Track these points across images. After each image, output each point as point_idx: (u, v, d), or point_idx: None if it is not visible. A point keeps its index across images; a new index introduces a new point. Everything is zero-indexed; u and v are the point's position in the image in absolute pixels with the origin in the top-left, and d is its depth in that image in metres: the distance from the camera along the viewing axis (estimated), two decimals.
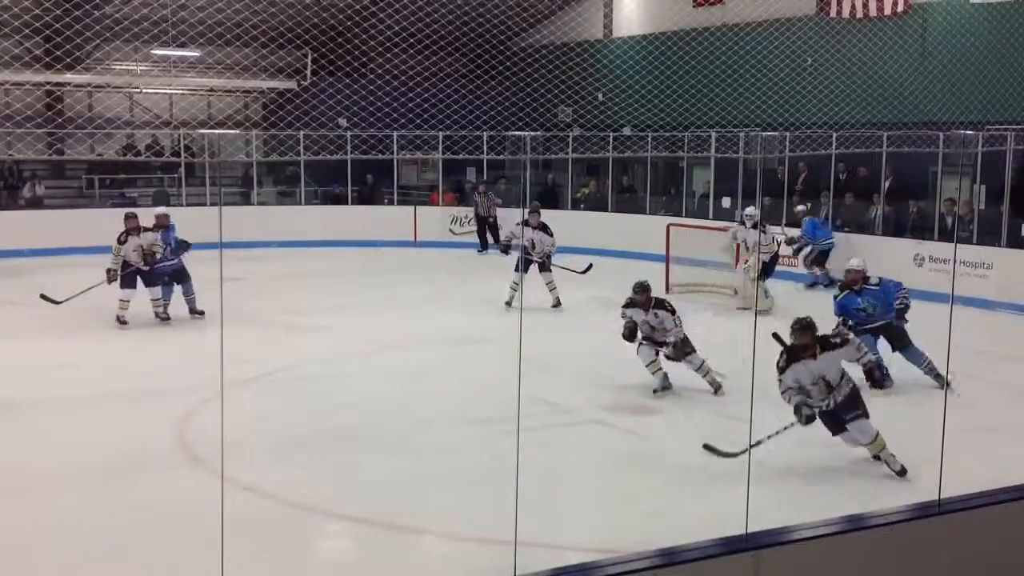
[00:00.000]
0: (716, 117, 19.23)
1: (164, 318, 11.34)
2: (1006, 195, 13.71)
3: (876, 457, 6.68)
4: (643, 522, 5.76)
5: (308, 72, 21.91)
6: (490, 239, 17.60)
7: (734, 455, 6.40)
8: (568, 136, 20.27)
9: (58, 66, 19.39)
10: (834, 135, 15.89)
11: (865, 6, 17.11)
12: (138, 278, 11.28)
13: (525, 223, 12.57)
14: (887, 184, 15.45)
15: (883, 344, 8.81)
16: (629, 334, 8.64)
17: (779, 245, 13.35)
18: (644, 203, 18.89)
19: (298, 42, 21.41)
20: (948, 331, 5.33)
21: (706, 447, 6.67)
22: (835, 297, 9.08)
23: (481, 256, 17.82)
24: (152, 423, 7.55)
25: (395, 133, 19.74)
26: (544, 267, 12.44)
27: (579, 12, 22.19)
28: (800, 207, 15.09)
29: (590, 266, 12.69)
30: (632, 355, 8.76)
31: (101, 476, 6.57)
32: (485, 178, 19.88)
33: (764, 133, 17.00)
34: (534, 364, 8.14)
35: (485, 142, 19.60)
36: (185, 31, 18.42)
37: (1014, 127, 13.57)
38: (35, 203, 18.80)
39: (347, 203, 19.72)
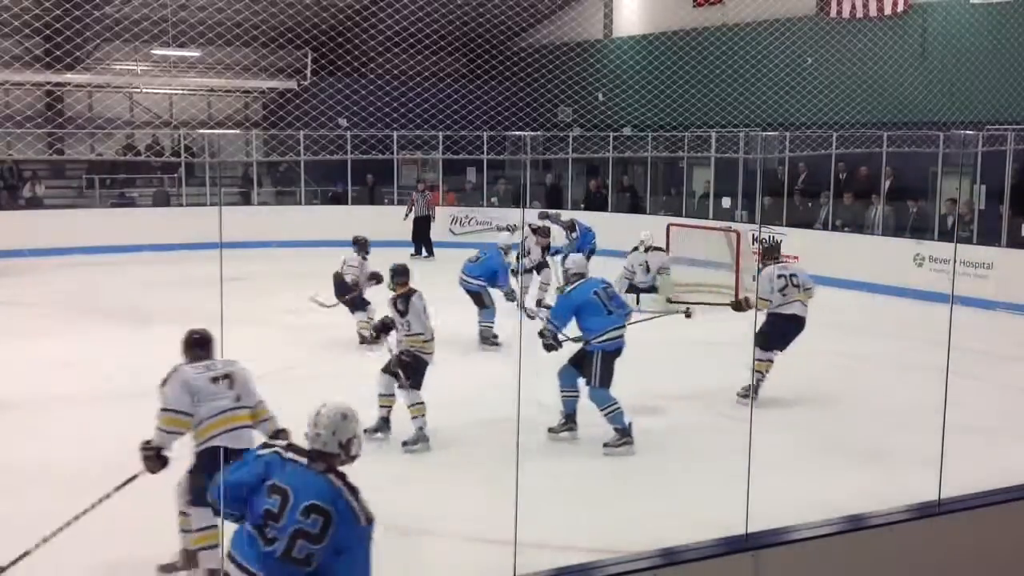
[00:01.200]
0: (716, 117, 19.23)
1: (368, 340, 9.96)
2: (1006, 195, 13.71)
3: None
4: (643, 522, 5.76)
5: (308, 72, 21.91)
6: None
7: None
8: (568, 136, 20.27)
9: (58, 66, 19.38)
10: (834, 135, 15.89)
11: (865, 6, 17.12)
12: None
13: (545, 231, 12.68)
14: (887, 184, 15.45)
15: None
16: (380, 328, 7.52)
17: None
18: (644, 203, 18.89)
19: (298, 42, 21.42)
20: (948, 331, 5.33)
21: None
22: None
23: (414, 260, 16.96)
24: (152, 423, 7.53)
25: (395, 133, 19.75)
26: (541, 268, 12.48)
27: (579, 12, 22.20)
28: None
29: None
30: (632, 355, 8.74)
31: (100, 476, 6.54)
32: (476, 179, 19.87)
33: (764, 133, 17.00)
34: (535, 365, 8.14)
35: (485, 142, 19.60)
36: (185, 31, 18.41)
37: (1014, 127, 13.56)
38: (35, 203, 18.80)
39: (347, 203, 19.72)
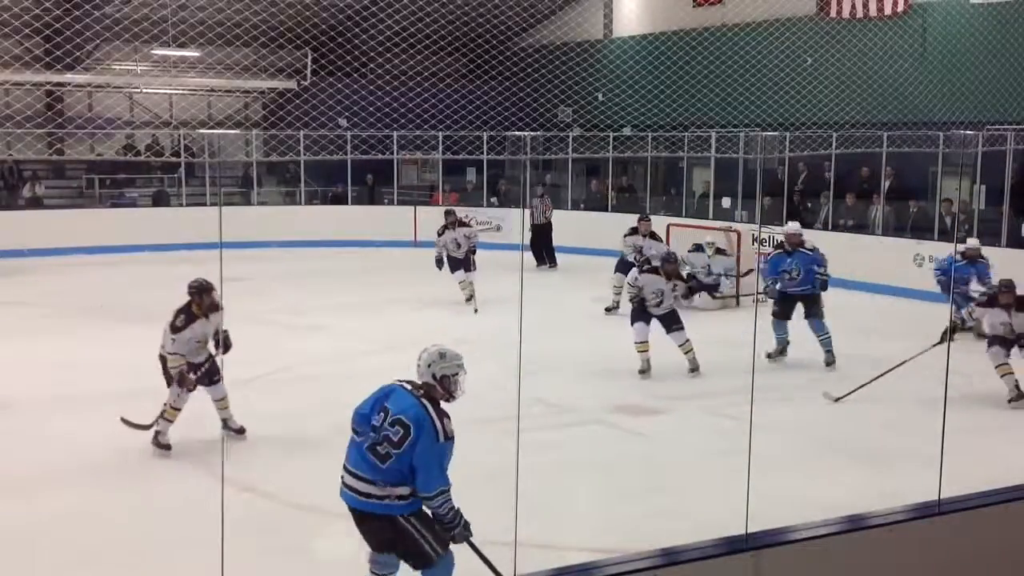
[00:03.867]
0: (716, 117, 19.23)
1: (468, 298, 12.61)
2: (1006, 195, 13.72)
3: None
4: (643, 522, 5.76)
5: (308, 72, 21.91)
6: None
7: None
8: (568, 136, 20.27)
9: (58, 66, 19.39)
10: (834, 135, 15.89)
11: (865, 6, 17.11)
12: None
13: (634, 231, 12.58)
14: (887, 184, 15.45)
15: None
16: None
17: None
18: (644, 203, 18.88)
19: (298, 42, 21.42)
20: (948, 331, 5.32)
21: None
22: (767, 256, 9.91)
23: (540, 271, 16.28)
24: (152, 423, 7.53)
25: (395, 133, 19.75)
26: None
27: (579, 12, 22.19)
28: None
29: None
30: (631, 354, 8.73)
31: (100, 476, 6.57)
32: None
33: (764, 133, 16.99)
34: (534, 364, 8.14)
35: (485, 142, 19.60)
36: (185, 31, 18.41)
37: (1014, 127, 13.56)
38: (35, 203, 18.80)
39: (347, 203, 19.72)
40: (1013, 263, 12.72)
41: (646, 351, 9.23)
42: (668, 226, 14.34)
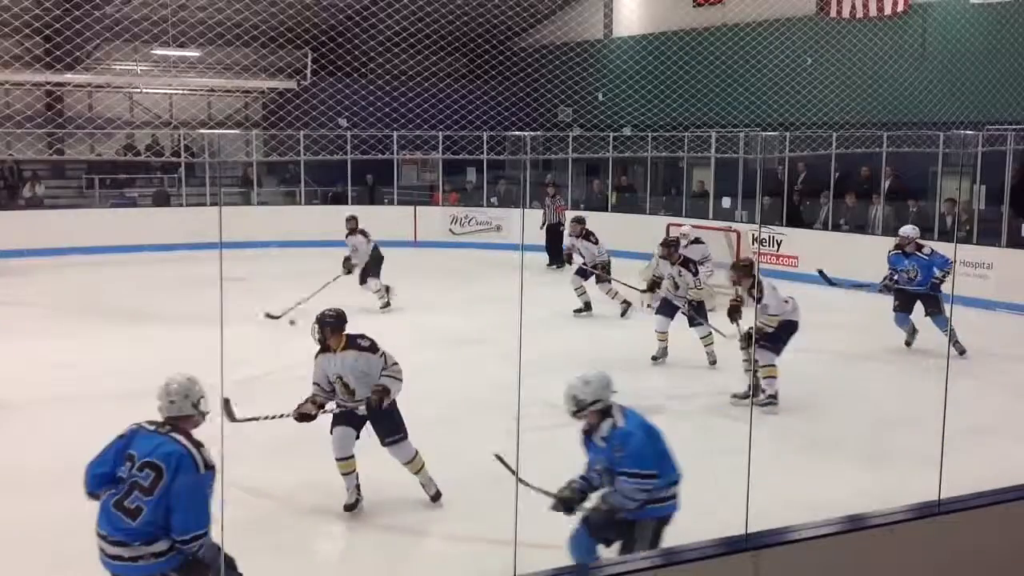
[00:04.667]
0: (716, 117, 19.23)
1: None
2: (1006, 195, 13.72)
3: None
4: None
5: (308, 72, 21.92)
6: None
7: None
8: (568, 136, 20.27)
9: (58, 66, 19.39)
10: (834, 135, 15.89)
11: (865, 6, 17.12)
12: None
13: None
14: (887, 184, 15.44)
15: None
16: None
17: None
18: (644, 203, 18.88)
19: (298, 42, 21.43)
20: (948, 331, 5.29)
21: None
22: (888, 252, 10.36)
23: (548, 271, 16.28)
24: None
25: (395, 133, 19.75)
26: (600, 278, 12.19)
27: (579, 12, 22.21)
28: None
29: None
30: (632, 354, 8.73)
31: None
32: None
33: (764, 133, 17.00)
34: (535, 365, 8.14)
35: (485, 142, 19.61)
36: (185, 31, 18.42)
37: (1014, 127, 13.57)
38: (35, 203, 18.81)
39: (347, 203, 19.72)
40: (1013, 263, 12.76)
41: (663, 341, 9.67)
42: (668, 226, 14.34)
